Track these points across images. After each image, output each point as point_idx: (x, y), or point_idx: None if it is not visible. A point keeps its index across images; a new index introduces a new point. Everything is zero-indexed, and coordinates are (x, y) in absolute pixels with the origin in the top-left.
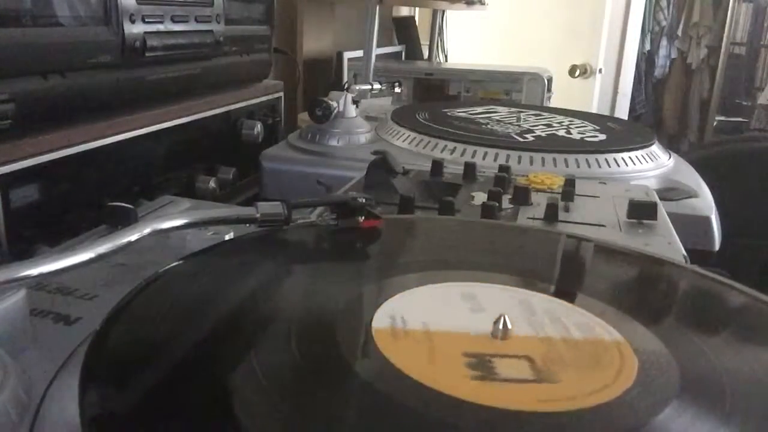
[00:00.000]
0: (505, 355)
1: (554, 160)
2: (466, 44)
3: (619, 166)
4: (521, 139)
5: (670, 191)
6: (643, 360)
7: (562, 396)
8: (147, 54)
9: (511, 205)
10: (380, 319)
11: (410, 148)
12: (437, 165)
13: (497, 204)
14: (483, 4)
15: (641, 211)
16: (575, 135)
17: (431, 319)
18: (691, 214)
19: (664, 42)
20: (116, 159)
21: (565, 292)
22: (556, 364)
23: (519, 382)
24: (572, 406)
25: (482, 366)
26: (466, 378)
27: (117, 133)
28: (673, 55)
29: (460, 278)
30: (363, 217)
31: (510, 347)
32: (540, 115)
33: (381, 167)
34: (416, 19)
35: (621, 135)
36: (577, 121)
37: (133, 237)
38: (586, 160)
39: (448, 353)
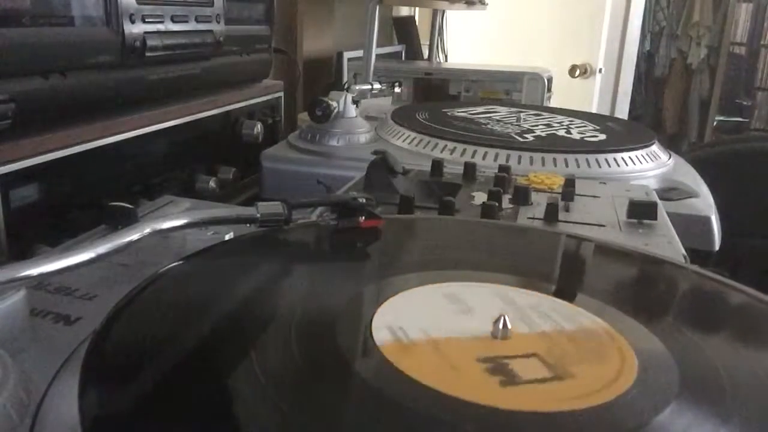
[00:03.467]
0: (516, 355)
1: (554, 160)
2: (466, 44)
3: (619, 166)
4: (521, 139)
5: (670, 191)
6: (643, 360)
7: (587, 390)
8: (147, 54)
9: (511, 205)
10: (381, 333)
11: (410, 148)
12: (437, 165)
13: (497, 204)
14: (483, 4)
15: (641, 211)
16: (575, 135)
17: (428, 326)
18: (691, 214)
19: (664, 42)
20: (116, 159)
21: (565, 291)
22: (564, 359)
23: (540, 382)
24: (584, 403)
25: (502, 370)
26: (494, 384)
27: (117, 133)
28: (673, 55)
29: (460, 278)
30: (363, 217)
31: (515, 347)
32: (540, 115)
33: (381, 167)
34: (416, 19)
35: (621, 135)
36: (577, 121)
37: (133, 237)
38: (586, 160)
39: (462, 361)
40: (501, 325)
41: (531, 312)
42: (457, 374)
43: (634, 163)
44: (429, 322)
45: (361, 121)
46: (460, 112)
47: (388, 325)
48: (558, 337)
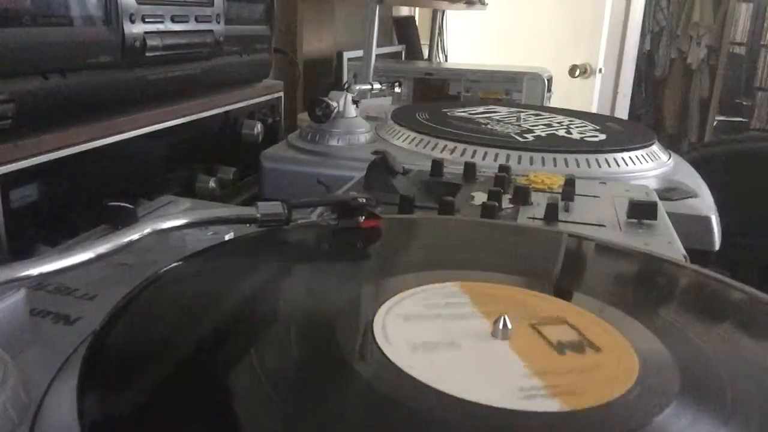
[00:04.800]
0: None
1: (554, 160)
2: (466, 44)
3: (619, 166)
4: (521, 139)
5: (670, 191)
6: (643, 360)
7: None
8: (147, 54)
9: (511, 205)
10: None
11: (410, 148)
12: (437, 165)
13: (497, 204)
14: (483, 4)
15: (641, 211)
16: (575, 135)
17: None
18: (691, 214)
19: (664, 42)
20: (116, 159)
21: (565, 290)
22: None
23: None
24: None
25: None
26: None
27: (117, 133)
28: (673, 55)
29: (460, 278)
30: (363, 217)
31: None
32: (540, 115)
33: (381, 167)
34: (416, 19)
35: (621, 135)
36: (577, 121)
37: (133, 237)
38: (586, 160)
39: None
40: (501, 325)
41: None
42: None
43: (634, 163)
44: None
45: (361, 121)
46: (460, 112)
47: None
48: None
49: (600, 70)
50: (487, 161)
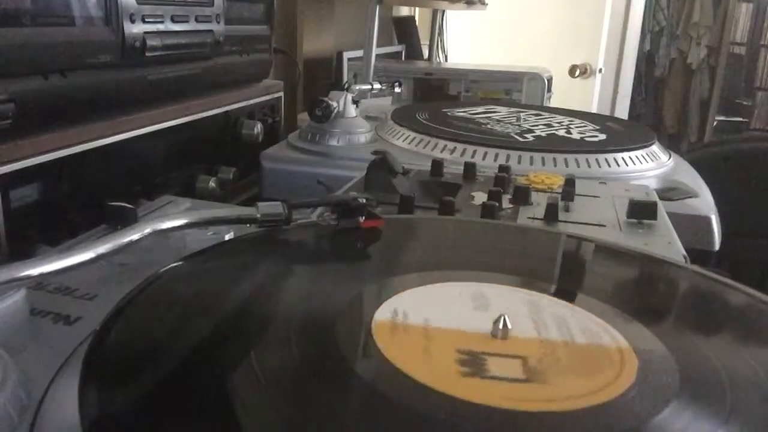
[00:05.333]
0: (500, 354)
1: (554, 160)
2: (466, 44)
3: (619, 166)
4: (521, 139)
5: (670, 191)
6: (643, 360)
7: (543, 397)
8: (147, 54)
9: (511, 205)
10: (382, 313)
11: (410, 148)
12: (437, 165)
13: (497, 204)
14: (483, 4)
15: (641, 211)
16: (575, 135)
17: (433, 316)
18: (691, 214)
19: (664, 42)
20: (116, 159)
21: (566, 291)
22: (549, 367)
23: (507, 380)
24: (555, 407)
25: (473, 363)
26: (455, 374)
27: (117, 133)
28: (673, 55)
29: (461, 278)
30: (363, 217)
31: (507, 347)
32: (540, 115)
33: (381, 167)
34: (416, 19)
35: (621, 135)
36: (577, 121)
37: (133, 237)
38: (586, 160)
39: (441, 349)
40: (500, 325)
41: (549, 319)
42: (426, 359)
43: (634, 163)
44: (437, 313)
45: (361, 121)
46: (460, 112)
47: (394, 308)
48: (561, 347)
49: (600, 70)
50: (487, 161)
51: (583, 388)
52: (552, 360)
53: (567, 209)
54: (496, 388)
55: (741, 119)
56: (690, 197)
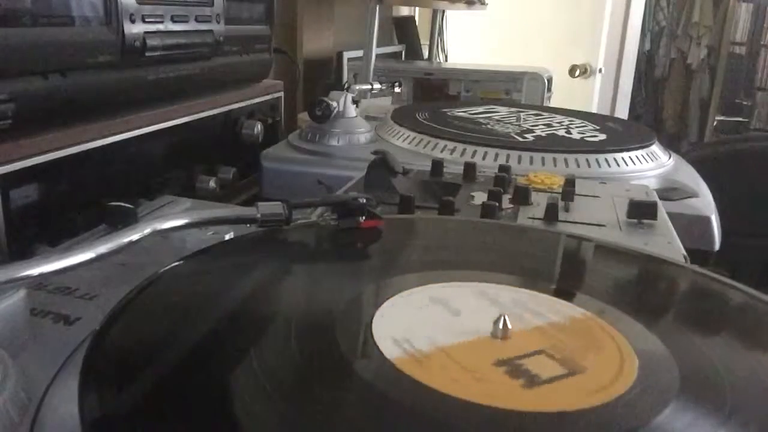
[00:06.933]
0: (527, 354)
1: (554, 160)
2: (466, 44)
3: (619, 166)
4: (521, 139)
5: (670, 191)
6: (643, 360)
7: (594, 387)
8: (147, 54)
9: (511, 205)
10: (390, 349)
11: (410, 148)
12: (437, 165)
13: (497, 204)
14: (483, 4)
15: (641, 211)
16: (575, 135)
17: (433, 334)
18: (691, 214)
19: (664, 42)
20: (116, 159)
21: (565, 291)
22: (570, 353)
23: (558, 379)
24: (606, 395)
25: (519, 372)
26: (518, 387)
27: (117, 133)
28: (673, 55)
29: (460, 278)
30: (363, 217)
31: (521, 345)
32: (540, 114)
33: (381, 167)
34: (416, 19)
35: (621, 135)
36: (577, 121)
37: (134, 237)
38: (586, 160)
39: (478, 366)
40: (501, 325)
41: (517, 308)
42: (480, 382)
43: (634, 163)
44: (429, 329)
45: (361, 121)
46: (460, 112)
47: (393, 338)
48: (552, 331)
49: (600, 70)
50: (487, 161)
51: (608, 361)
52: (563, 345)
53: (567, 209)
54: (562, 391)
55: (741, 119)
56: (690, 197)
